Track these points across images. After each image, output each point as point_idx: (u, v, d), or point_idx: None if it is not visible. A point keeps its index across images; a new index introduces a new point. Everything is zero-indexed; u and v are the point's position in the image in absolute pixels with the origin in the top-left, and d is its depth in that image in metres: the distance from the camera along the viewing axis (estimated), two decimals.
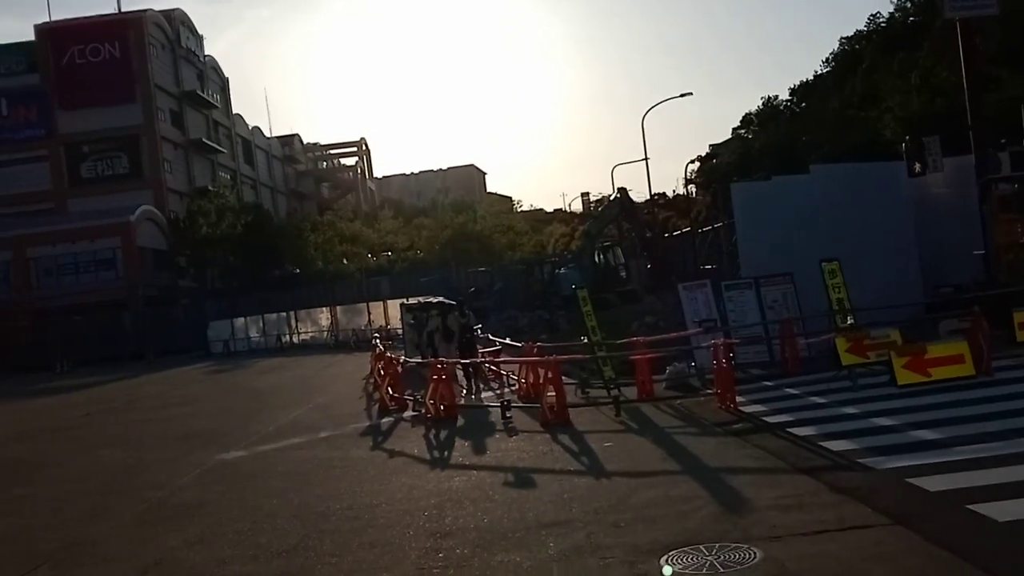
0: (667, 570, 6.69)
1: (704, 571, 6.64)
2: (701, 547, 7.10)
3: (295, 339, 48.00)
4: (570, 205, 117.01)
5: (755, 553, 6.83)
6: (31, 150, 65.98)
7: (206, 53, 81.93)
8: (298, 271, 66.16)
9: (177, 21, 75.28)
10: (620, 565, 6.91)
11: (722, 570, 6.62)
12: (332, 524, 9.08)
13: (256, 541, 8.75)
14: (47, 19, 69.08)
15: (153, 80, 68.27)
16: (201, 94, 76.45)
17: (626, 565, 6.88)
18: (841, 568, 6.41)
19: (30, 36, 68.27)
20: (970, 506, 7.36)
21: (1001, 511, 7.14)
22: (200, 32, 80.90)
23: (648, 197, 72.18)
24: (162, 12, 73.37)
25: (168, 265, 64.90)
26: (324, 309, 49.34)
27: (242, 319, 50.22)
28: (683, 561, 6.83)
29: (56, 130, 66.19)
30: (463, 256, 58.62)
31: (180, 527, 9.57)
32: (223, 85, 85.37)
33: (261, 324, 49.24)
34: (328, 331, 46.94)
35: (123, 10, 70.27)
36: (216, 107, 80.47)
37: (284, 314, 49.52)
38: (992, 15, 21.47)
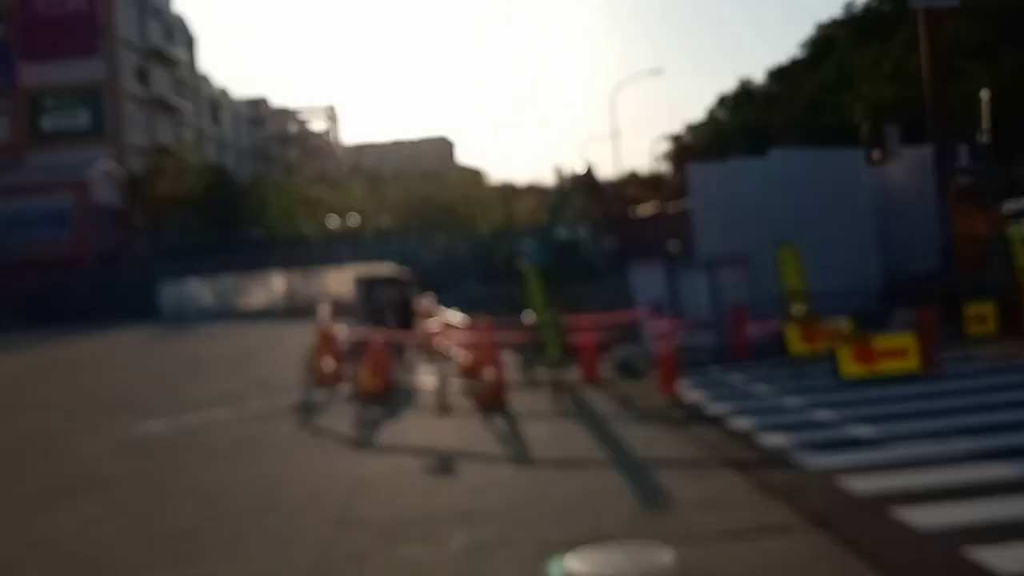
0: (556, 568, 6.31)
1: (608, 570, 6.28)
2: (612, 544, 6.73)
3: (250, 304, 47.16)
4: (540, 180, 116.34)
5: (665, 553, 6.46)
6: None
7: (174, 10, 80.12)
8: (260, 234, 64.99)
9: None
10: (525, 561, 6.52)
11: (627, 570, 6.28)
12: (236, 507, 8.59)
13: (153, 522, 8.27)
14: None
15: (119, 34, 66.57)
16: (167, 50, 74.73)
17: (531, 561, 6.49)
18: (746, 573, 6.09)
19: None
20: (894, 509, 7.06)
21: (923, 516, 6.85)
22: None
23: (625, 174, 72.03)
24: None
25: (124, 224, 63.55)
26: (280, 275, 48.46)
27: (194, 282, 49.19)
28: (590, 559, 6.45)
29: (18, 82, 64.40)
30: (428, 226, 57.84)
31: (77, 505, 9.04)
32: (190, 43, 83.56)
33: (215, 289, 48.30)
34: (284, 297, 46.15)
35: None
36: (182, 64, 78.74)
37: (239, 278, 48.59)
38: (954, 7, 21.13)
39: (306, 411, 13.99)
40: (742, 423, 10.71)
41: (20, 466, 11.25)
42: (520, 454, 10.16)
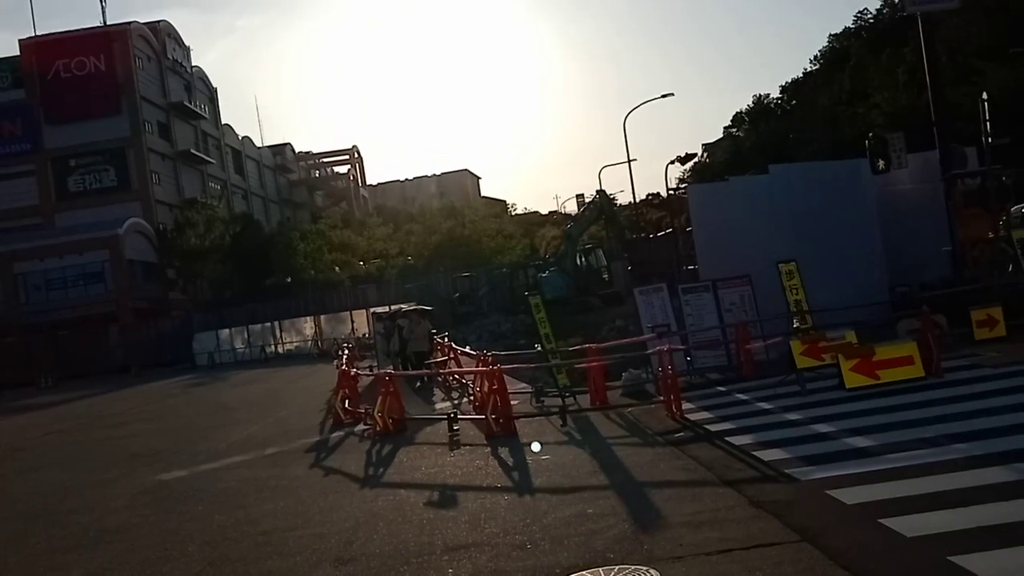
0: None
1: None
2: (600, 570, 6.83)
3: (280, 349, 47.82)
4: (564, 207, 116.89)
5: (652, 575, 6.55)
6: (18, 165, 65.89)
7: (195, 64, 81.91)
8: (289, 280, 65.94)
9: (163, 33, 75.19)
10: None
11: None
12: (241, 550, 8.78)
13: (159, 570, 8.47)
14: (32, 34, 68.98)
15: (139, 92, 68.15)
16: (189, 105, 76.32)
17: None
18: None
19: (15, 51, 68.15)
20: (882, 520, 7.10)
21: (910, 525, 6.88)
22: (189, 43, 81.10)
23: (643, 197, 72.20)
24: (147, 24, 73.30)
25: (157, 277, 64.72)
26: (308, 319, 49.15)
27: (227, 331, 50.12)
28: None
29: (42, 144, 66.05)
30: (451, 261, 58.34)
31: (90, 555, 9.28)
32: (211, 95, 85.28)
33: (246, 335, 49.08)
34: (312, 341, 46.73)
35: (108, 23, 70.20)
36: (204, 118, 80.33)
37: (269, 324, 49.36)
38: (953, 8, 21.16)
39: (320, 452, 14.22)
40: (743, 440, 10.77)
41: (38, 520, 11.53)
42: (521, 483, 10.28)
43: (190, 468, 13.99)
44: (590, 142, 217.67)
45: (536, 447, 12.11)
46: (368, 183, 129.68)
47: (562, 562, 7.10)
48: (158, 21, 75.51)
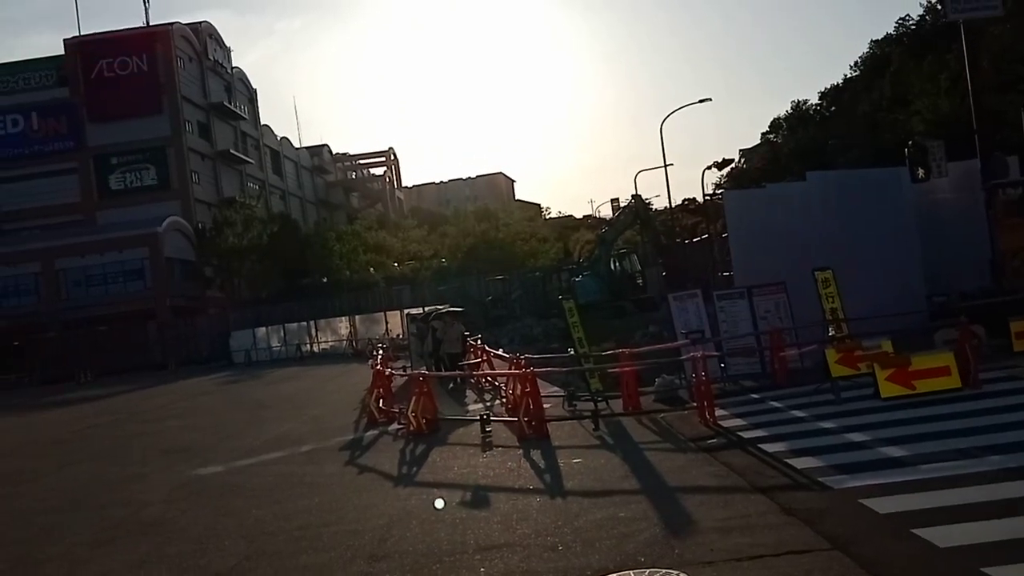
0: None
1: None
2: (630, 573, 6.87)
3: (315, 348, 48.22)
4: (598, 211, 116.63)
5: None
6: (61, 162, 67.05)
7: (234, 65, 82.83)
8: (325, 280, 66.50)
9: (204, 34, 76.15)
10: None
11: None
12: (276, 545, 8.93)
13: (196, 563, 8.63)
14: (76, 34, 70.14)
15: (180, 92, 69.11)
16: (229, 105, 77.24)
17: None
18: None
19: (60, 50, 69.36)
20: (915, 530, 7.06)
21: (944, 536, 6.84)
22: (230, 44, 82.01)
23: (679, 203, 71.72)
24: (189, 25, 74.32)
25: (195, 275, 65.54)
26: (344, 319, 49.54)
27: (264, 329, 50.63)
28: None
29: (85, 143, 67.18)
30: (485, 264, 58.51)
31: (129, 548, 9.47)
32: (251, 96, 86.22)
33: (282, 334, 49.58)
34: (347, 340, 47.10)
35: (151, 23, 71.23)
36: (244, 118, 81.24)
37: (305, 324, 49.81)
38: (997, 16, 20.93)
39: (354, 450, 14.38)
40: (776, 447, 10.75)
41: (77, 512, 11.78)
42: (553, 485, 10.35)
43: (226, 464, 14.21)
44: (625, 147, 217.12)
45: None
46: (403, 185, 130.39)
47: (593, 564, 7.15)
48: (200, 22, 76.52)
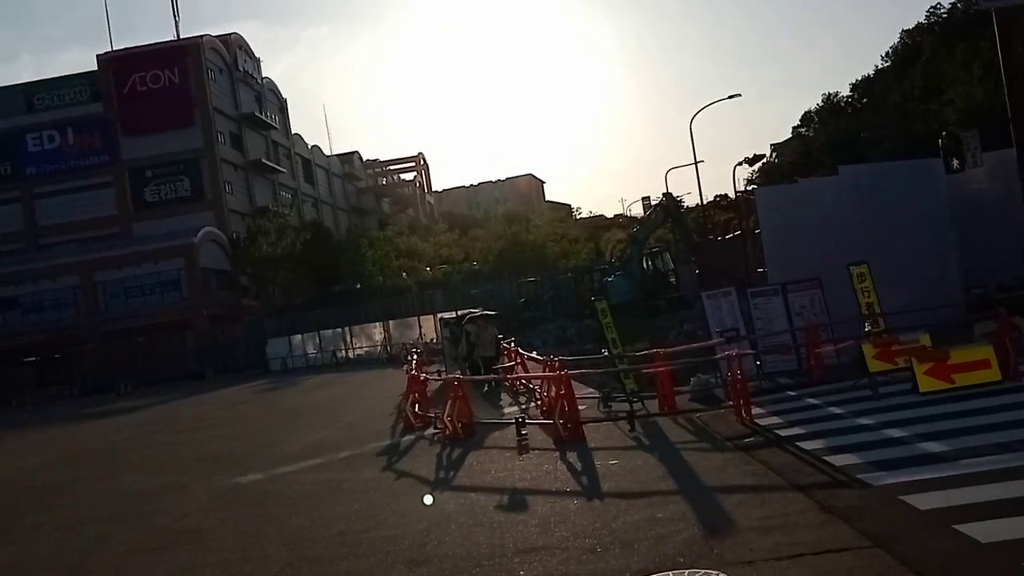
0: None
1: None
2: (670, 573, 6.88)
3: (350, 354, 48.55)
4: (629, 210, 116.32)
5: None
6: (96, 177, 68.10)
7: (264, 75, 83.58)
8: (359, 286, 66.93)
9: (234, 45, 76.93)
10: None
11: None
12: (318, 551, 9.03)
13: (240, 570, 8.74)
14: (109, 49, 71.20)
15: (212, 104, 69.89)
16: (260, 116, 78.00)
17: None
18: None
19: (93, 66, 70.45)
20: (957, 526, 7.00)
21: (986, 531, 6.78)
22: (258, 55, 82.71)
23: (710, 199, 71.38)
24: (219, 37, 75.15)
25: (230, 284, 66.23)
26: (378, 324, 49.82)
27: (299, 336, 51.06)
28: None
29: (120, 156, 68.16)
30: (516, 266, 58.56)
31: (174, 555, 9.62)
32: (281, 106, 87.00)
33: (317, 340, 49.98)
34: (382, 346, 47.37)
35: (181, 37, 72.09)
36: (275, 128, 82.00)
37: (340, 330, 50.18)
38: None
39: (392, 455, 14.48)
40: (814, 445, 10.68)
41: (120, 521, 11.96)
42: (590, 487, 10.36)
43: (266, 471, 14.36)
44: (654, 145, 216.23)
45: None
46: (433, 189, 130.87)
47: (632, 566, 7.16)
48: (229, 34, 77.32)
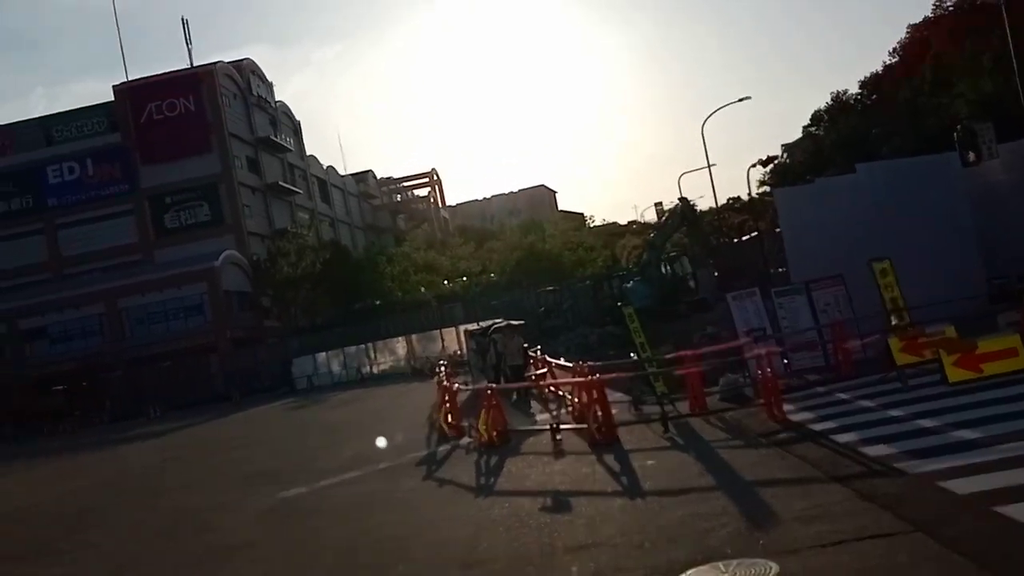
0: None
1: None
2: (719, 564, 7.11)
3: (374, 370, 48.92)
4: (643, 215, 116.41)
5: (770, 567, 6.82)
6: (117, 205, 68.77)
7: (277, 99, 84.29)
8: (378, 303, 67.34)
9: (247, 70, 77.64)
10: None
11: None
12: (368, 558, 9.31)
13: None
14: (125, 79, 72.07)
15: (228, 129, 70.54)
16: (275, 139, 78.65)
17: None
18: None
19: (110, 96, 71.32)
20: (997, 508, 7.20)
21: None
22: (269, 79, 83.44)
23: (725, 202, 71.48)
24: (232, 63, 75.84)
25: (252, 306, 66.76)
26: (400, 339, 50.20)
27: (323, 354, 51.45)
28: None
29: (139, 185, 68.85)
30: (534, 276, 58.85)
31: (230, 568, 9.93)
32: (295, 128, 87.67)
33: (342, 358, 50.39)
34: (405, 360, 47.73)
35: (195, 64, 72.90)
36: (290, 150, 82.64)
37: (363, 346, 50.59)
38: None
39: (430, 465, 14.76)
40: (847, 438, 10.90)
41: (169, 539, 12.30)
42: (630, 487, 10.62)
43: (309, 485, 14.65)
44: (664, 150, 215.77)
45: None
46: (447, 204, 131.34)
47: (681, 559, 7.39)
48: (242, 59, 78.03)
